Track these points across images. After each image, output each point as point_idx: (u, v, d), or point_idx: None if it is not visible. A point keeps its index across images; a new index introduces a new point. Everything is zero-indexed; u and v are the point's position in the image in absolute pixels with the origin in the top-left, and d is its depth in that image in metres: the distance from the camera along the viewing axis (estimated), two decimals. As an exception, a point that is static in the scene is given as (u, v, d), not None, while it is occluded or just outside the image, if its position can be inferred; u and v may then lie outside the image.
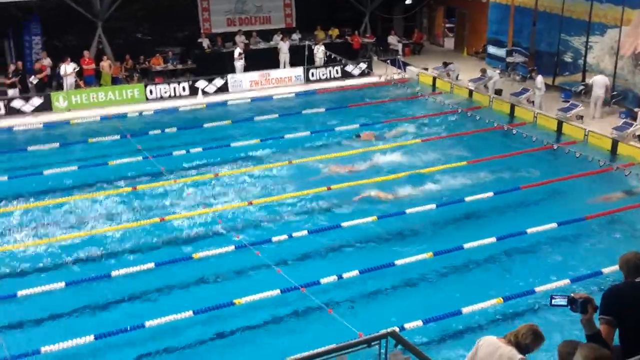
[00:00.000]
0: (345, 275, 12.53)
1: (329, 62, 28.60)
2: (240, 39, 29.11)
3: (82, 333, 10.67)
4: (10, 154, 19.99)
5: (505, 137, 21.18)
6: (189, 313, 11.27)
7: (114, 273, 12.70)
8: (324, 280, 12.33)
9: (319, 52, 28.72)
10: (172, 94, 25.65)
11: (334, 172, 17.95)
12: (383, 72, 28.38)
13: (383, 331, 7.04)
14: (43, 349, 10.29)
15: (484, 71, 26.24)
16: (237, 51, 27.61)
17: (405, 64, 29.57)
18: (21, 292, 11.94)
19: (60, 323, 11.49)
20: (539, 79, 23.20)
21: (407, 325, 10.75)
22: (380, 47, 32.83)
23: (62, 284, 12.27)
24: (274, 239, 14.05)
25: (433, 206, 15.60)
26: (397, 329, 7.97)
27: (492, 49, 29.03)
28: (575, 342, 5.55)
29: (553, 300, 5.81)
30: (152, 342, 10.85)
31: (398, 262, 12.96)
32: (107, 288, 12.43)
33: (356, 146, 20.09)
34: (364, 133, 21.12)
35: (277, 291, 11.98)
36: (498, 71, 26.21)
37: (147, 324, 10.97)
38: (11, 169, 18.52)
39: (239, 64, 27.42)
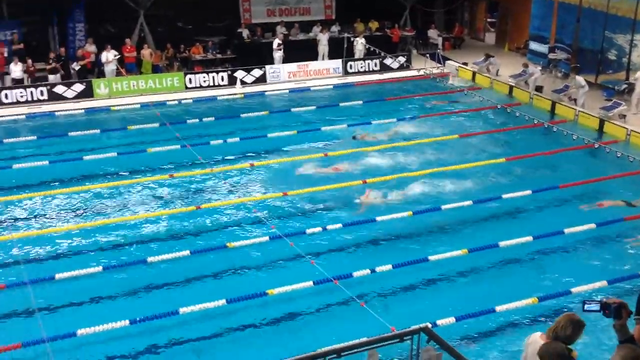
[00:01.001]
0: (379, 269, 12.49)
1: (368, 54, 28.49)
2: (280, 29, 29.15)
3: (117, 317, 10.83)
4: (51, 138, 20.35)
5: (545, 134, 20.87)
6: (222, 301, 11.36)
7: (150, 259, 12.86)
8: (356, 274, 12.32)
9: (359, 44, 28.62)
10: (211, 84, 25.83)
11: (372, 165, 17.92)
12: (422, 66, 28.18)
13: (415, 327, 7.01)
14: (79, 332, 10.46)
15: (526, 65, 25.87)
16: (276, 42, 27.67)
17: (445, 58, 29.30)
18: (59, 275, 12.18)
19: (96, 307, 11.68)
20: (578, 77, 22.83)
21: (439, 322, 10.69)
22: (420, 41, 32.58)
23: (99, 268, 12.49)
24: (308, 230, 14.08)
25: (470, 202, 15.46)
26: (429, 325, 7.93)
27: (534, 45, 28.60)
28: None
29: (586, 306, 5.75)
30: (186, 328, 10.97)
31: (432, 257, 12.90)
32: (142, 274, 12.60)
33: (391, 140, 19.98)
34: (361, 134, 20.60)
35: (310, 283, 12.01)
36: (539, 68, 25.82)
37: (181, 310, 11.09)
38: (52, 153, 18.85)
39: (278, 54, 27.48)
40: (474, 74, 27.31)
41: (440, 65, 28.53)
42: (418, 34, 32.63)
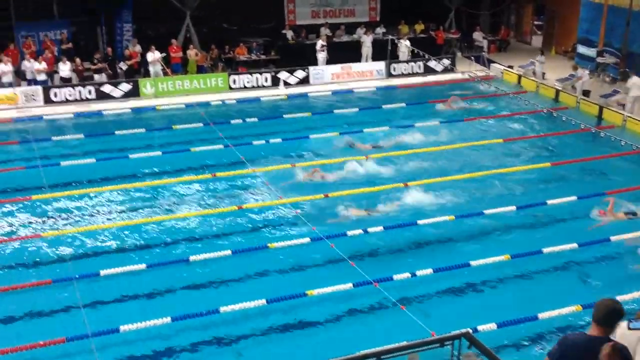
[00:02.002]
0: (419, 273, 12.41)
1: (412, 57, 28.35)
2: (325, 31, 29.22)
3: (159, 314, 10.97)
4: (98, 137, 20.75)
5: (592, 140, 20.48)
6: (262, 301, 11.41)
7: (192, 258, 13.00)
8: (397, 277, 12.25)
9: (402, 46, 28.51)
10: (255, 84, 26.03)
11: (414, 167, 17.84)
12: (466, 69, 27.94)
13: (457, 332, 6.96)
14: (122, 328, 10.63)
15: (575, 68, 25.46)
16: (320, 43, 27.75)
17: (490, 61, 28.99)
18: (104, 272, 12.40)
19: (139, 303, 11.85)
20: (634, 79, 22.24)
21: (480, 328, 10.57)
22: (465, 43, 32.32)
23: (142, 266, 12.68)
24: (349, 232, 14.05)
25: (513, 208, 15.26)
26: (470, 331, 7.85)
27: (582, 49, 28.12)
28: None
29: (630, 324, 5.84)
30: (225, 327, 11.05)
31: (473, 262, 12.75)
32: (185, 272, 12.74)
33: (433, 143, 19.81)
34: (358, 143, 19.81)
35: (350, 285, 11.97)
36: (587, 71, 25.36)
37: (222, 309, 11.18)
38: (99, 151, 19.24)
39: (321, 56, 27.55)
40: (519, 77, 26.95)
41: (485, 68, 28.24)
42: (463, 36, 32.38)
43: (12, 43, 25.68)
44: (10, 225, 14.82)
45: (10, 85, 24.00)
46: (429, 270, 12.49)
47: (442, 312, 11.57)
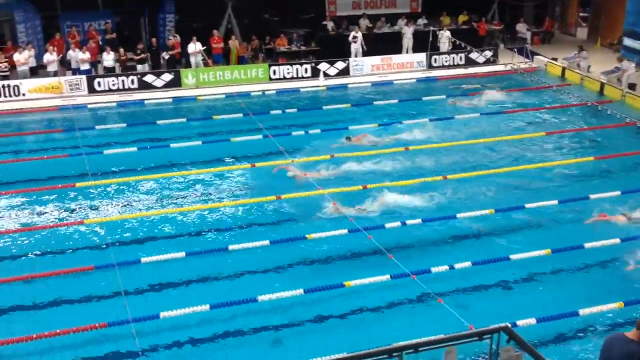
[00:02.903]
0: (458, 266, 12.32)
1: (453, 48, 28.06)
2: (364, 22, 29.08)
3: (198, 302, 11.09)
4: (140, 126, 21.04)
5: (637, 134, 20.05)
6: (300, 291, 11.46)
7: (231, 247, 13.11)
8: (435, 269, 12.18)
9: (443, 37, 28.23)
10: (295, 75, 26.08)
11: (452, 162, 17.70)
12: (509, 61, 27.55)
13: (495, 326, 6.90)
14: (162, 314, 10.78)
15: (620, 60, 24.92)
16: (352, 34, 27.61)
17: (534, 53, 28.55)
18: (145, 259, 12.59)
19: (179, 291, 12.01)
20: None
21: (519, 322, 10.44)
22: (508, 35, 31.88)
23: (182, 254, 12.82)
24: (387, 225, 14.00)
25: (555, 202, 15.03)
26: (509, 325, 7.77)
27: (628, 41, 27.47)
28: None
29: None
30: (263, 316, 11.13)
31: (513, 256, 12.61)
32: (224, 261, 12.86)
33: (474, 135, 19.61)
34: (355, 137, 19.53)
35: (387, 276, 11.95)
36: (633, 64, 24.79)
37: (260, 298, 11.26)
38: (141, 140, 19.51)
39: (354, 47, 27.39)
40: (563, 70, 26.49)
41: (528, 60, 27.84)
42: (506, 27, 31.93)
43: (57, 33, 26.18)
44: (54, 212, 15.14)
45: (55, 74, 24.46)
46: (468, 264, 12.39)
47: (481, 305, 11.48)
